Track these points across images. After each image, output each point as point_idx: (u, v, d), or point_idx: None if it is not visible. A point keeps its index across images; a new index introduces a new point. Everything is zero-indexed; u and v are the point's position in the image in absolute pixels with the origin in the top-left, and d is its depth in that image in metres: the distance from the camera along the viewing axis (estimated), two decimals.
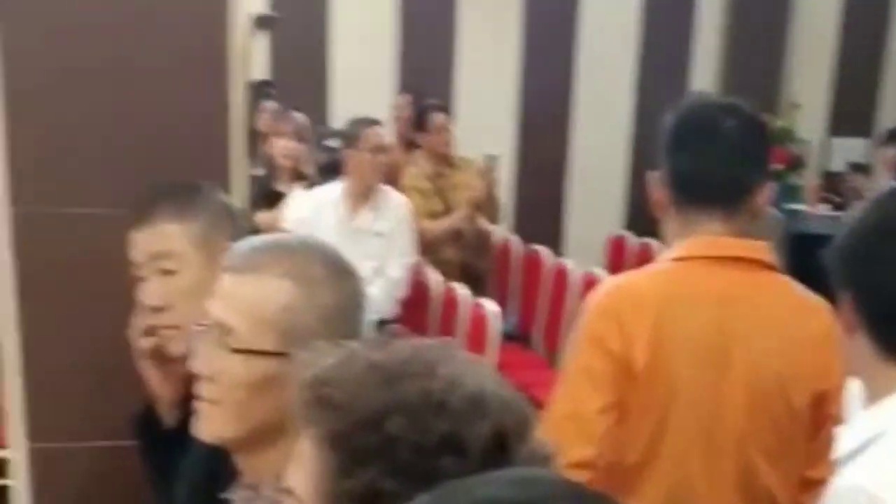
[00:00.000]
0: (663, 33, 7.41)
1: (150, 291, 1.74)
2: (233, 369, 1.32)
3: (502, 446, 0.92)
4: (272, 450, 1.33)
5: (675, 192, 1.85)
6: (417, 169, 5.31)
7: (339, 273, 1.37)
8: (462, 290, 4.53)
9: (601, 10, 7.24)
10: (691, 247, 1.82)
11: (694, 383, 1.76)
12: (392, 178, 4.92)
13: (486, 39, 7.07)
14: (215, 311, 1.34)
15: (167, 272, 1.73)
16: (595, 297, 1.86)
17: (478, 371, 0.99)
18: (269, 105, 5.88)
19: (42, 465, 2.30)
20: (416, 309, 4.81)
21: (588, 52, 7.30)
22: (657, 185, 1.88)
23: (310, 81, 6.74)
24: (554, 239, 6.77)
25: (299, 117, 5.87)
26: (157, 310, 1.73)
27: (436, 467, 0.88)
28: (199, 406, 1.36)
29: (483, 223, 5.43)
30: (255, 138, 5.18)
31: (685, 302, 1.78)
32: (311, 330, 1.29)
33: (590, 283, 4.10)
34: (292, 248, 1.40)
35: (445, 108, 5.54)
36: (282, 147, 5.14)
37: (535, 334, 5.36)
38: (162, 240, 1.73)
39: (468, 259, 5.27)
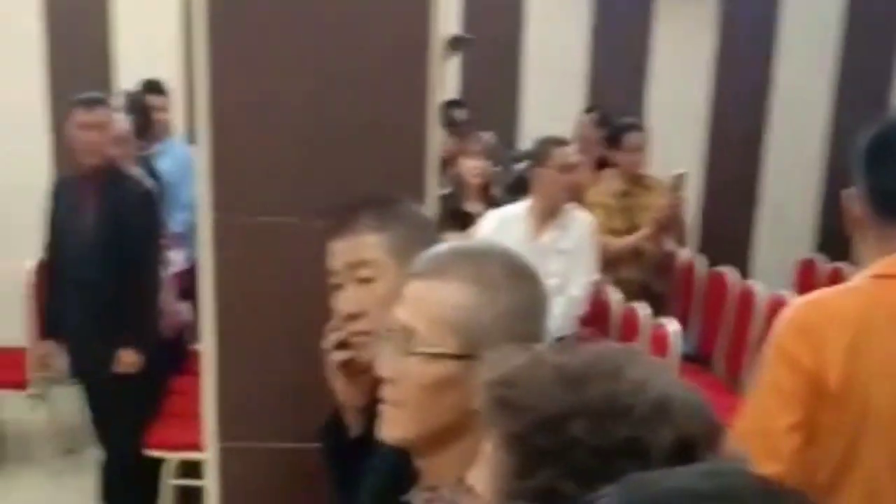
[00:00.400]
0: (864, 50, 7.12)
1: (347, 299, 1.79)
2: (414, 371, 1.35)
3: (688, 453, 0.91)
4: (452, 451, 1.35)
5: (875, 208, 1.79)
6: (606, 185, 5.31)
7: (520, 276, 1.39)
8: (643, 310, 4.49)
9: (799, 27, 7.02)
10: (891, 264, 1.75)
11: (890, 405, 1.70)
12: (577, 197, 4.93)
13: (679, 57, 6.96)
14: (400, 316, 1.38)
15: (364, 280, 1.77)
16: (789, 312, 1.82)
17: (665, 376, 0.98)
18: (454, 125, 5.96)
19: (231, 465, 2.39)
20: (595, 327, 4.79)
21: (784, 69, 7.09)
22: (854, 202, 1.83)
23: (500, 101, 6.79)
24: (740, 261, 6.60)
25: (487, 137, 5.93)
26: (352, 317, 1.78)
27: (616, 471, 0.87)
28: (383, 408, 1.40)
29: (667, 244, 5.36)
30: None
31: (884, 321, 1.72)
32: (491, 332, 1.31)
33: (777, 306, 3.99)
34: (473, 252, 1.44)
35: (642, 127, 5.49)
36: (471, 166, 5.20)
37: (717, 357, 5.25)
38: (361, 249, 1.78)
39: (648, 279, 5.22)
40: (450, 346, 1.33)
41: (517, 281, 1.38)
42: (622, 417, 0.92)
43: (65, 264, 4.33)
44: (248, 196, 2.30)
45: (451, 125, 5.70)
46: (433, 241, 1.67)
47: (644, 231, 5.12)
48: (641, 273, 5.20)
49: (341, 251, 1.80)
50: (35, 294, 4.87)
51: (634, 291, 4.96)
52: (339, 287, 1.81)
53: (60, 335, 4.47)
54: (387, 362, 1.38)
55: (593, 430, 0.91)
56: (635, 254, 5.17)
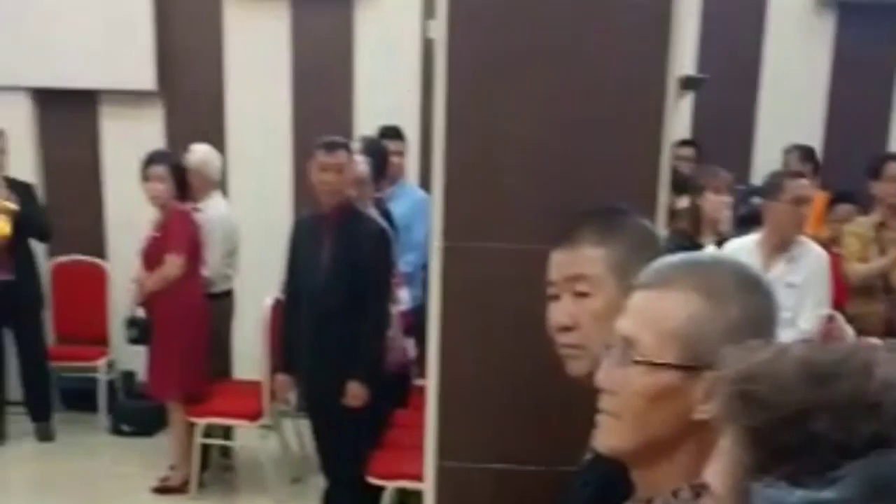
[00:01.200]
0: None
1: (561, 310, 1.76)
2: (634, 381, 1.33)
3: None
4: (668, 464, 1.33)
5: None
6: (865, 218, 5.28)
7: (749, 287, 1.35)
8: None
9: None
10: None
11: None
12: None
13: None
14: (622, 326, 1.36)
15: (580, 294, 1.74)
16: None
17: None
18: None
19: (449, 485, 2.42)
20: None
21: None
22: None
23: (732, 138, 6.61)
24: None
25: (724, 173, 5.87)
26: (565, 329, 1.75)
27: None
28: (600, 419, 1.39)
29: None
30: None
31: None
32: (717, 342, 1.24)
33: None
34: (702, 262, 1.42)
35: None
36: (717, 202, 5.12)
37: None
38: (581, 263, 1.75)
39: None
40: (671, 356, 1.31)
41: (748, 293, 1.34)
42: (869, 414, 0.88)
43: (301, 300, 4.55)
44: (474, 222, 2.35)
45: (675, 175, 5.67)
46: (656, 257, 1.63)
47: (892, 254, 4.96)
48: (889, 308, 5.03)
49: (561, 263, 1.78)
50: (271, 330, 5.10)
51: (878, 327, 4.81)
52: (554, 298, 1.79)
53: (294, 369, 4.70)
54: (605, 372, 1.38)
55: (838, 427, 0.88)
56: (885, 288, 5.01)
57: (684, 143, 6.26)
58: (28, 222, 5.85)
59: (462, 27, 2.29)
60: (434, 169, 2.38)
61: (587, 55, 2.27)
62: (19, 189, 5.90)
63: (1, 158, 5.88)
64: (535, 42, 2.28)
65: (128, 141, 6.27)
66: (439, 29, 2.31)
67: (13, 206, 5.74)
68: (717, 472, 0.99)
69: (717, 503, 0.99)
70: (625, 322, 1.37)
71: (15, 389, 6.19)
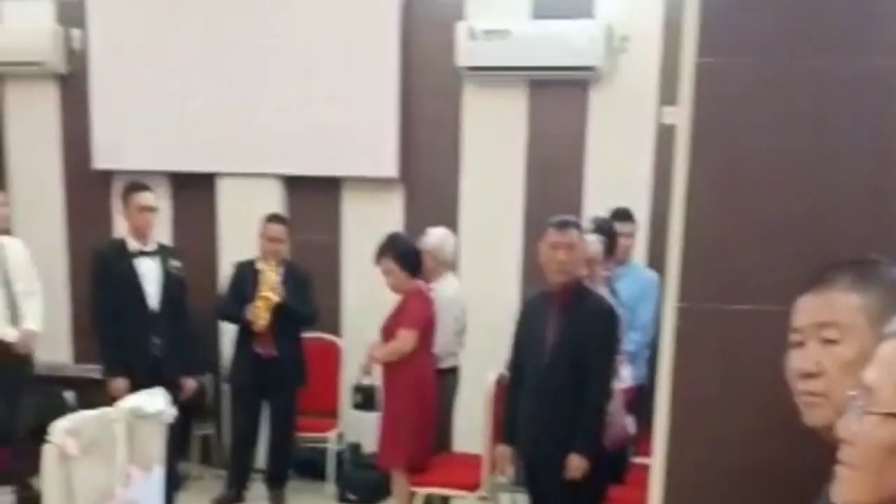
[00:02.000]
0: None
1: (805, 357, 1.71)
2: (871, 433, 1.29)
3: None
4: None
5: None
6: None
7: None
8: None
9: None
10: None
11: None
12: None
13: None
14: (866, 376, 1.33)
15: (828, 341, 1.69)
16: None
17: None
18: None
19: None
20: None
21: None
22: None
23: None
24: None
25: None
26: (808, 375, 1.71)
27: None
28: (839, 470, 1.35)
29: None
30: None
31: None
32: None
33: None
34: None
35: None
36: None
37: None
38: (831, 309, 1.70)
39: None
40: None
41: None
42: None
43: (526, 375, 4.62)
44: (713, 284, 2.33)
45: None
46: None
47: None
48: None
49: (810, 309, 1.74)
50: (494, 403, 5.17)
51: None
52: (798, 345, 1.74)
53: (514, 442, 4.75)
54: (846, 423, 1.34)
55: None
56: None
57: None
58: (294, 311, 6.12)
59: (706, 114, 2.30)
60: (671, 231, 2.39)
61: (837, 127, 2.23)
62: (297, 278, 6.21)
63: (281, 247, 6.19)
64: (783, 118, 2.26)
65: (367, 224, 6.57)
66: (682, 115, 2.33)
67: (275, 298, 6.02)
68: None
69: None
70: (870, 371, 1.33)
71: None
